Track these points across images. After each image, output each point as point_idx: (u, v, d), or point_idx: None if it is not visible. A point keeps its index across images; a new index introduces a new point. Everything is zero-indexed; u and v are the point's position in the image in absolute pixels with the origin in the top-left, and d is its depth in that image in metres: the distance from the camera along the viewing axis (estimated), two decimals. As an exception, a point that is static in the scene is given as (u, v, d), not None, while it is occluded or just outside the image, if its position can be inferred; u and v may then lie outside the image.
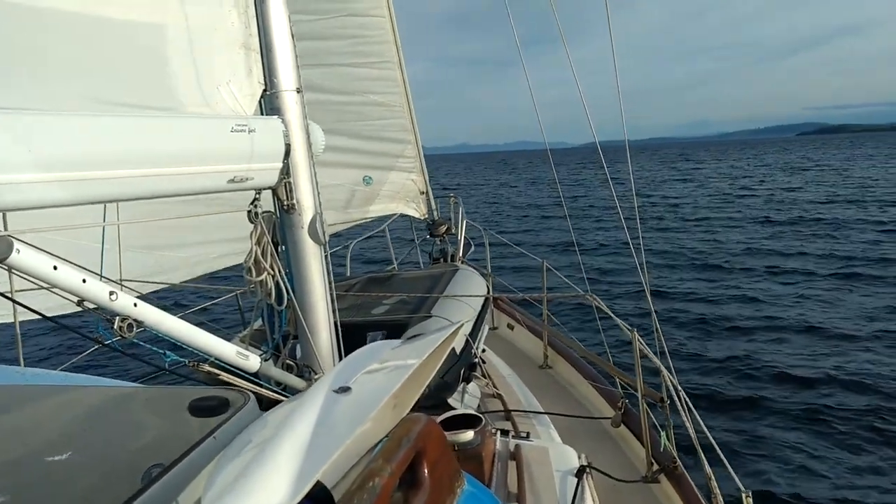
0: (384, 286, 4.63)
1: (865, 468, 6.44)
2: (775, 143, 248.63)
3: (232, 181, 2.27)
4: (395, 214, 6.74)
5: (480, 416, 2.33)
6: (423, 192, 6.76)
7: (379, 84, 6.14)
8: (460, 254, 6.55)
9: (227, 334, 2.68)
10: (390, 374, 1.39)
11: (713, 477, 2.88)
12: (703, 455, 2.96)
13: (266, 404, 1.77)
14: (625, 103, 4.64)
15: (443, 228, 6.65)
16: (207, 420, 1.54)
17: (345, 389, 1.29)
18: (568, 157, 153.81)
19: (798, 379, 8.71)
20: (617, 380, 4.18)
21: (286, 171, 2.53)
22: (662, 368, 3.36)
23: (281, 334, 2.72)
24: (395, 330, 3.61)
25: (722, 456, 2.85)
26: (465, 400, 3.69)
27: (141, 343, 2.15)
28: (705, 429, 3.02)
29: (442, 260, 6.56)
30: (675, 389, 3.25)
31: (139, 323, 1.96)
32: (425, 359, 1.43)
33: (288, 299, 2.61)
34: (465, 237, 6.74)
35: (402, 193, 6.68)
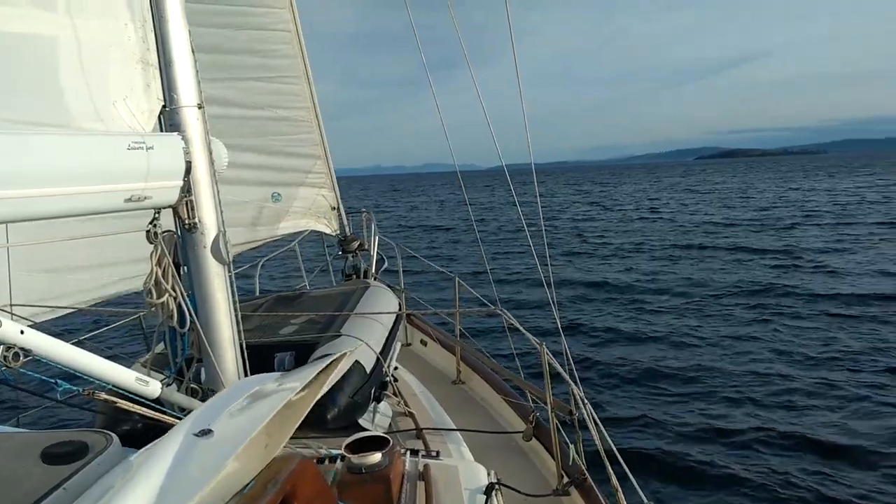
0: (292, 305, 4.55)
1: (763, 480, 6.74)
2: (677, 167, 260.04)
3: (129, 200, 2.18)
4: (305, 231, 6.64)
5: (388, 437, 2.31)
6: (334, 208, 6.69)
7: (287, 99, 6.06)
8: (373, 270, 6.50)
9: (129, 360, 2.57)
10: (257, 411, 1.33)
11: (620, 489, 2.94)
12: (610, 468, 3.02)
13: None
14: (534, 127, 4.73)
15: (355, 244, 6.59)
16: (60, 468, 1.42)
17: (206, 432, 1.23)
18: (477, 180, 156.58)
19: (701, 395, 9.09)
20: (528, 394, 4.22)
21: (187, 189, 2.45)
22: (570, 381, 3.41)
23: (184, 358, 2.64)
24: (303, 350, 3.54)
25: (627, 470, 2.90)
26: (377, 420, 3.65)
27: (31, 373, 2.02)
28: (611, 443, 3.08)
29: (354, 276, 6.50)
30: (583, 402, 3.31)
31: (27, 352, 1.85)
32: (300, 391, 1.38)
33: (190, 321, 2.53)
34: (377, 253, 6.70)
35: (312, 209, 6.59)
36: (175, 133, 2.46)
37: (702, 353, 10.94)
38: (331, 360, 1.55)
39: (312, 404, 1.49)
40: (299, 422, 1.44)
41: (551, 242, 26.72)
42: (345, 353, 1.86)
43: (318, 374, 1.48)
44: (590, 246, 26.05)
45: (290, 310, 4.35)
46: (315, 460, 2.28)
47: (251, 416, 1.32)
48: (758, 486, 6.56)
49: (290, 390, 1.36)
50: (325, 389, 1.54)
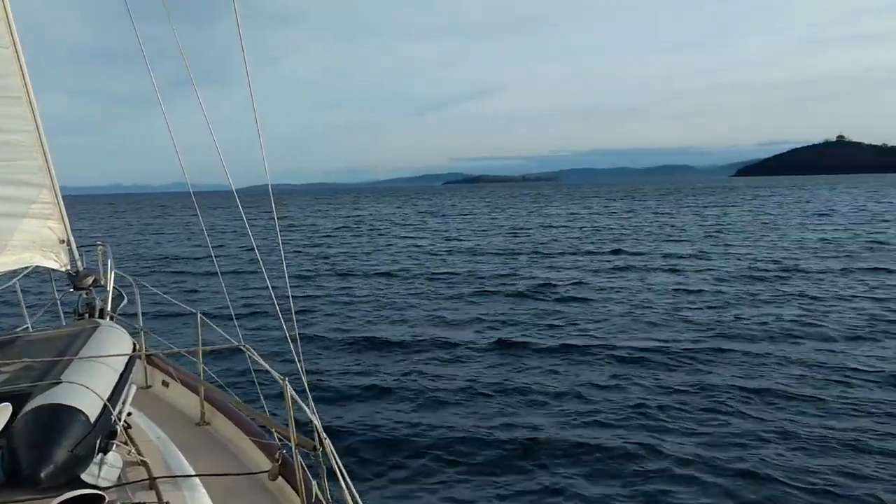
0: (5, 351, 4.08)
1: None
2: (427, 191, 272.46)
3: None
4: (29, 267, 5.97)
5: (102, 493, 2.15)
6: (63, 241, 6.09)
7: (4, 122, 5.45)
8: (108, 308, 6.01)
9: None
10: None
11: None
12: (351, 501, 3.07)
13: None
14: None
15: (88, 280, 6.04)
16: None
17: None
18: (228, 200, 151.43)
19: (441, 415, 9.68)
20: (274, 431, 4.14)
21: None
22: (311, 416, 3.39)
23: None
24: (16, 400, 3.22)
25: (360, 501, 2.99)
26: (103, 473, 3.35)
27: None
28: (346, 480, 3.12)
29: (88, 315, 5.95)
30: (322, 437, 3.33)
31: None
32: None
33: None
34: (114, 289, 6.20)
35: (37, 243, 5.95)
36: None
37: (440, 374, 11.70)
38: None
39: None
40: None
41: (301, 268, 26.71)
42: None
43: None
44: (333, 269, 26.42)
45: (2, 357, 3.89)
46: None
47: None
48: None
49: None
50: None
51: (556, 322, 15.90)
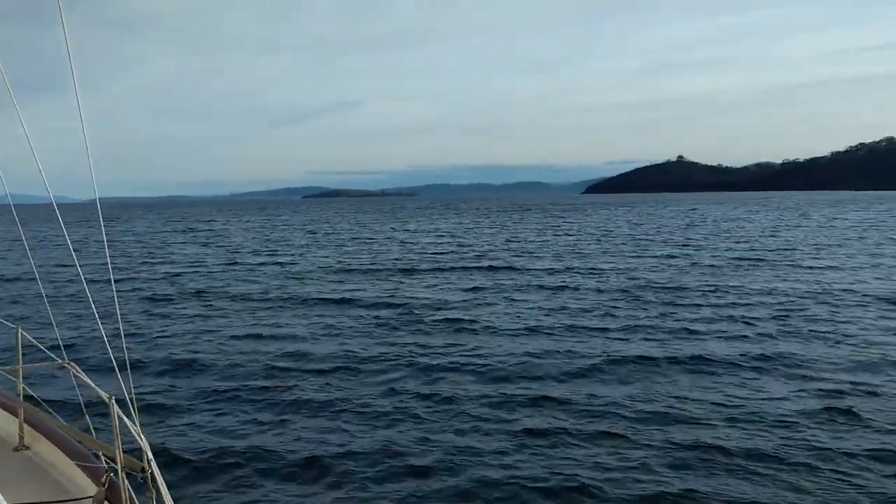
0: None
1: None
2: (287, 204, 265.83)
3: None
4: None
5: None
6: None
7: None
8: None
9: None
10: None
11: None
12: None
13: None
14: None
15: None
16: None
17: None
18: (71, 213, 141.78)
19: (270, 445, 9.37)
20: (101, 454, 4.00)
21: None
22: (139, 437, 3.31)
23: None
24: None
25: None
26: None
27: None
28: (173, 502, 3.09)
29: None
30: (149, 459, 3.27)
31: None
32: None
33: None
34: None
35: None
36: None
37: (269, 396, 11.55)
38: None
39: None
40: None
41: (136, 285, 25.49)
42: None
43: None
44: (175, 289, 25.34)
45: None
46: None
47: None
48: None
49: None
50: None
51: (399, 337, 16.08)
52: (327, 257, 37.01)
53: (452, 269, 30.09)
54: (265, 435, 9.52)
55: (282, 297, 22.47)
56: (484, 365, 13.15)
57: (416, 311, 19.13)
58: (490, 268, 29.91)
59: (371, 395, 11.31)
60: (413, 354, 14.10)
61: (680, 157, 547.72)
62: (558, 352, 14.14)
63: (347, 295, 22.47)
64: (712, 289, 22.59)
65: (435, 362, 13.41)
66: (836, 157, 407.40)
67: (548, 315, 18.38)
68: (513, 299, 21.23)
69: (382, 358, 13.79)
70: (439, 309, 19.57)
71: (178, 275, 29.34)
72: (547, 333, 16.04)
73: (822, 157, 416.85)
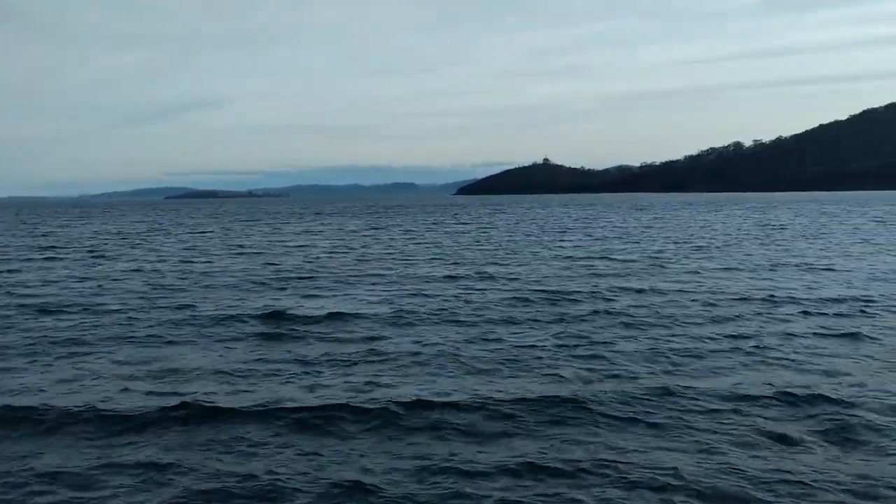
0: None
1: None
2: (150, 205, 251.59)
3: None
4: None
5: None
6: None
7: None
8: None
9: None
10: None
11: None
12: None
13: None
14: None
15: None
16: None
17: None
18: None
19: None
20: None
21: None
22: None
23: None
24: None
25: None
26: None
27: None
28: None
29: None
30: None
31: None
32: None
33: None
34: None
35: None
36: None
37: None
38: None
39: None
40: None
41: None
42: None
43: None
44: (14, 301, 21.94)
45: None
46: None
47: None
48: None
49: None
50: None
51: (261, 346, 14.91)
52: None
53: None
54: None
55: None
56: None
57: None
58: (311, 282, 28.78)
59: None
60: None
61: (546, 159, 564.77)
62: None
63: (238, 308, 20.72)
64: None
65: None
66: (690, 160, 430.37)
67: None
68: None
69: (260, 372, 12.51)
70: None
71: (35, 287, 26.26)
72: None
73: (677, 160, 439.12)
